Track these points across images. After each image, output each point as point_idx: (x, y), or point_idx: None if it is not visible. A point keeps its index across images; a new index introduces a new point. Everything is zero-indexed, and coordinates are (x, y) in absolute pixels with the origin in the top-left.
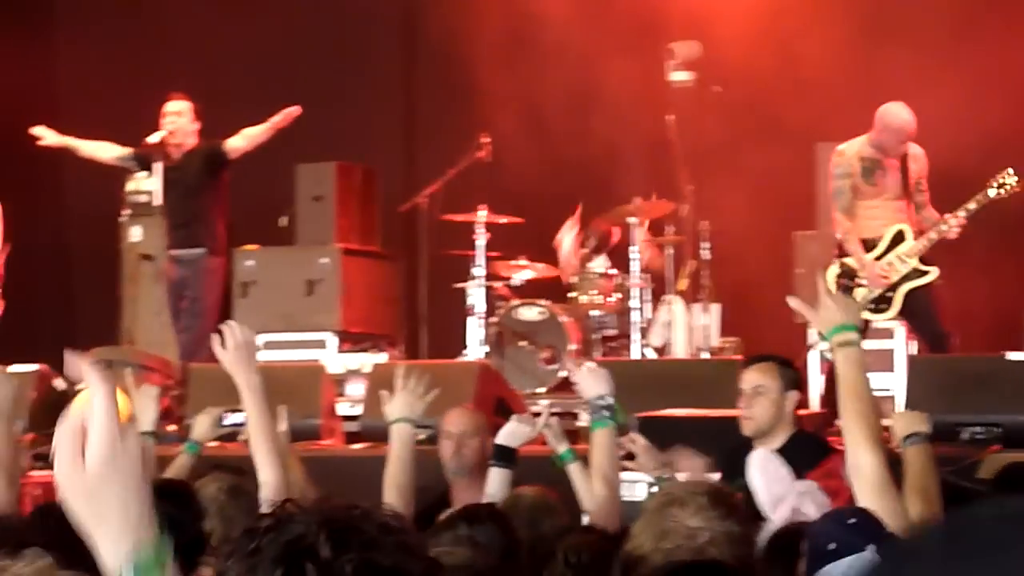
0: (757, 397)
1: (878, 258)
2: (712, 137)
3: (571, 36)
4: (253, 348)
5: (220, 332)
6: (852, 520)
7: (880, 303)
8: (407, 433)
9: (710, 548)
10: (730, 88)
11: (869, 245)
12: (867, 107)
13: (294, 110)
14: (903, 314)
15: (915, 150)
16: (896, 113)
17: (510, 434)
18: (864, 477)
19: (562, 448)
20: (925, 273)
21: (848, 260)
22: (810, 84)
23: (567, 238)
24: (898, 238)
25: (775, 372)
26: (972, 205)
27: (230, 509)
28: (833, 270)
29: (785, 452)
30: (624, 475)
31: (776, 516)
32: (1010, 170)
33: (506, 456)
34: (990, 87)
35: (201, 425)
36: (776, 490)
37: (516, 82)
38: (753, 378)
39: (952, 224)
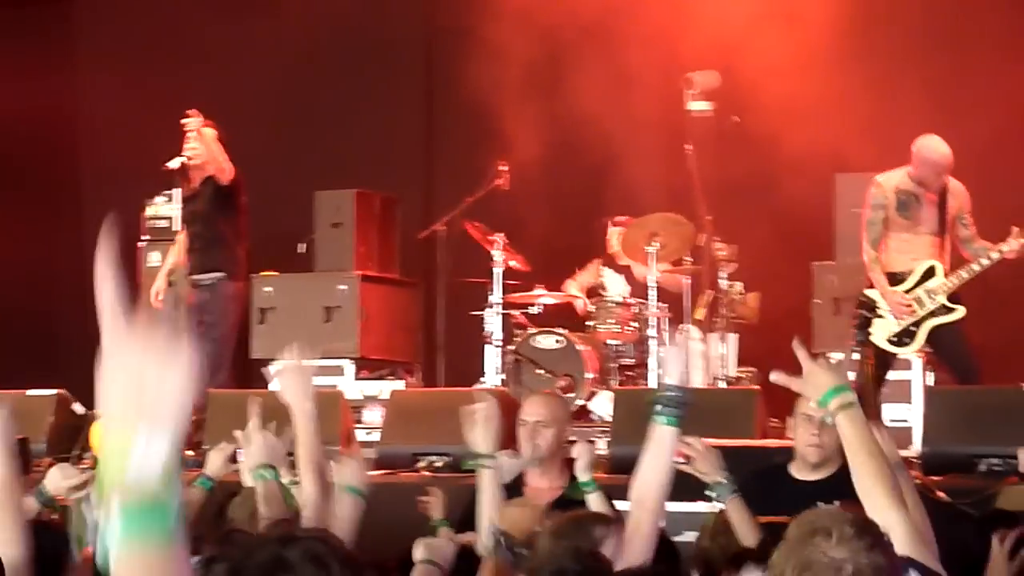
0: (827, 426)
1: (907, 292)
2: (731, 167)
3: (591, 64)
4: (310, 375)
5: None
6: (911, 570)
7: (904, 336)
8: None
9: None
10: (749, 118)
11: (899, 278)
12: (887, 138)
13: None
14: (934, 350)
15: (954, 185)
16: (933, 147)
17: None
18: (897, 536)
19: (586, 477)
20: (952, 311)
21: (869, 292)
22: (830, 115)
23: (574, 285)
24: (928, 274)
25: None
26: (1004, 247)
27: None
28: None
29: (835, 480)
30: None
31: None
32: None
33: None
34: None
35: (214, 461)
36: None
37: (535, 110)
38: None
39: (985, 261)
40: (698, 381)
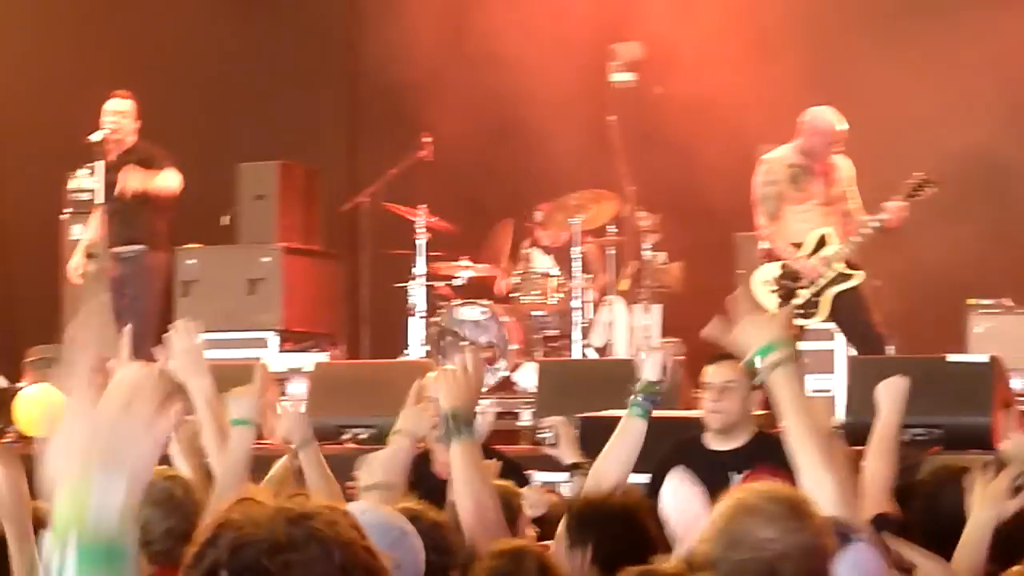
0: (727, 392)
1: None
2: (654, 138)
3: (513, 36)
4: (200, 351)
5: (165, 339)
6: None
7: (808, 307)
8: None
9: (782, 562)
10: (672, 89)
11: (796, 249)
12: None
13: None
14: (833, 318)
15: (840, 160)
16: (823, 117)
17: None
18: (827, 496)
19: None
20: (850, 276)
21: (787, 262)
22: (754, 86)
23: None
24: (821, 242)
25: (744, 368)
26: (883, 216)
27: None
28: (764, 273)
29: (748, 450)
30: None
31: (687, 541)
32: (924, 175)
33: None
34: (933, 88)
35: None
36: (688, 515)
37: (459, 82)
38: (724, 373)
39: (871, 225)
40: (622, 352)
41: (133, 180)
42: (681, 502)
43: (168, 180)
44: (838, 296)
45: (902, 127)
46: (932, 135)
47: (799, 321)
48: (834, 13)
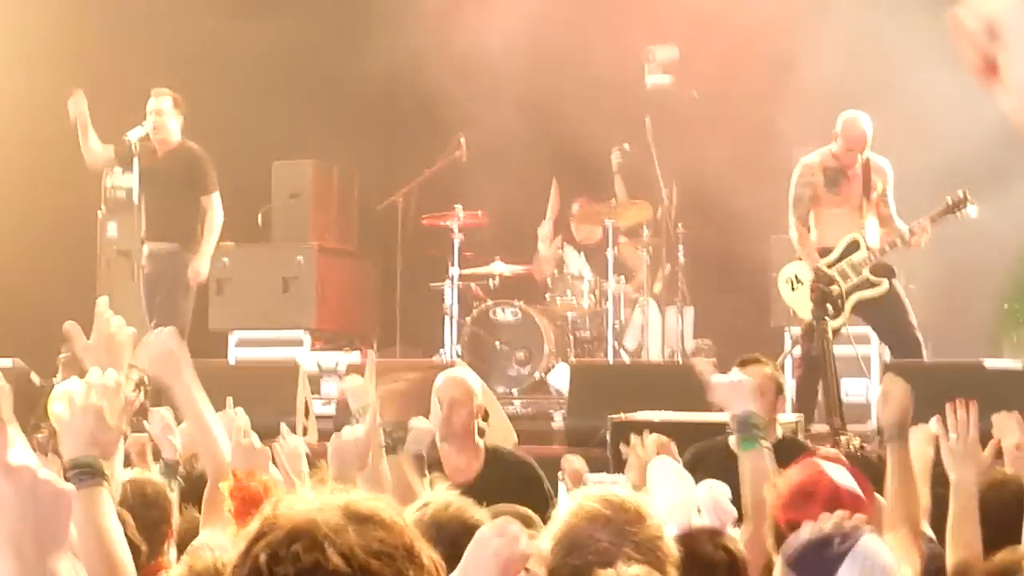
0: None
1: (831, 265)
2: (689, 140)
3: (551, 37)
4: (174, 353)
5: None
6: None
7: (832, 309)
8: None
9: (619, 561)
10: (708, 92)
11: (826, 252)
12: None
13: None
14: (870, 322)
15: (878, 161)
16: (853, 122)
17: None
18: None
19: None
20: (875, 285)
21: (821, 266)
22: (790, 89)
23: (544, 228)
24: (852, 247)
25: (769, 375)
26: (909, 238)
27: None
28: (789, 271)
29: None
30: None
31: (674, 524)
32: (967, 193)
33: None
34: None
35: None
36: (676, 498)
37: (494, 83)
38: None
39: (907, 237)
40: (655, 354)
41: (203, 267)
42: (670, 483)
43: (215, 228)
44: (874, 300)
45: (937, 128)
46: (966, 131)
47: (829, 323)
48: (866, 12)
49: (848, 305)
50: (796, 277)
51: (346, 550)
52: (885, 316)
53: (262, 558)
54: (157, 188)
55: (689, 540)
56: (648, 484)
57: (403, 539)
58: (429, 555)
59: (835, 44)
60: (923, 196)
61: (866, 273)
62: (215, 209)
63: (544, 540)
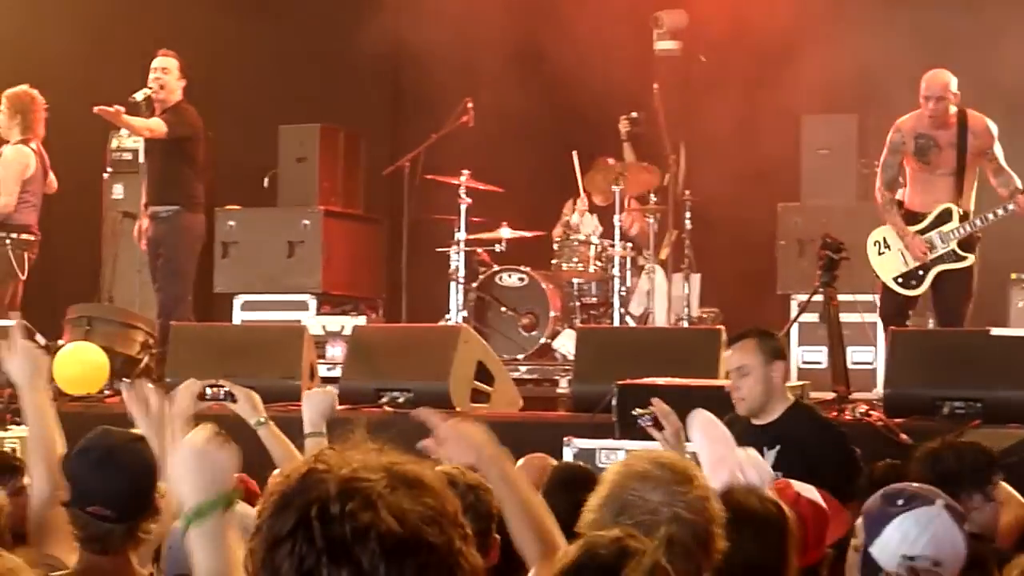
0: (742, 377)
1: (920, 232)
2: (697, 107)
3: (557, 1)
4: (38, 365)
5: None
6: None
7: (911, 278)
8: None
9: (671, 525)
10: (716, 58)
11: (919, 218)
12: (855, 81)
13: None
14: (932, 294)
15: (975, 121)
16: (934, 75)
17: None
18: None
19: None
20: (962, 258)
21: (885, 230)
22: (797, 56)
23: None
24: (943, 217)
25: (755, 348)
26: (1011, 207)
27: None
28: (877, 234)
29: (776, 426)
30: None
31: (716, 478)
32: None
33: None
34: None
35: (182, 399)
36: (718, 452)
37: (502, 48)
38: (735, 359)
39: (998, 212)
40: (661, 320)
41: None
42: (712, 437)
43: (145, 124)
44: (942, 273)
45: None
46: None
47: (899, 289)
48: None
49: (930, 277)
50: (884, 240)
51: (398, 513)
52: (950, 289)
53: (313, 512)
54: (156, 150)
55: (733, 497)
56: (691, 438)
57: (449, 506)
58: (468, 524)
59: (843, 9)
60: None
61: (953, 246)
62: (159, 122)
63: (592, 501)
